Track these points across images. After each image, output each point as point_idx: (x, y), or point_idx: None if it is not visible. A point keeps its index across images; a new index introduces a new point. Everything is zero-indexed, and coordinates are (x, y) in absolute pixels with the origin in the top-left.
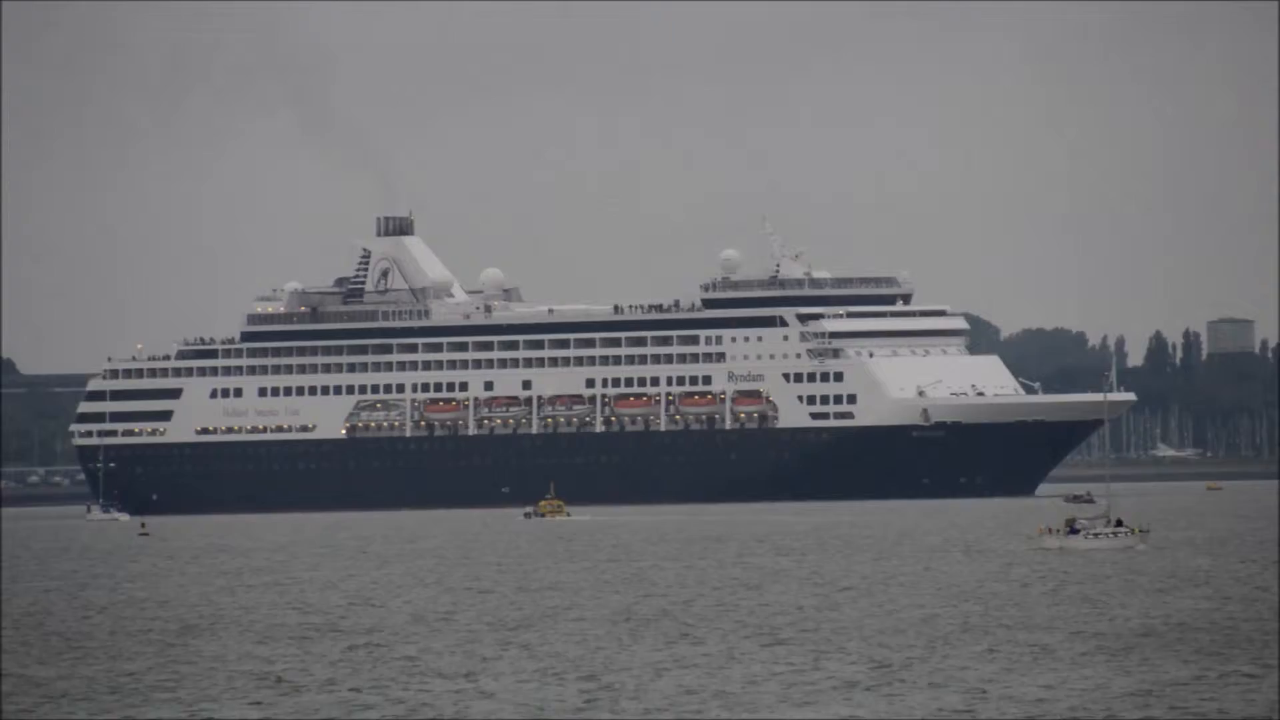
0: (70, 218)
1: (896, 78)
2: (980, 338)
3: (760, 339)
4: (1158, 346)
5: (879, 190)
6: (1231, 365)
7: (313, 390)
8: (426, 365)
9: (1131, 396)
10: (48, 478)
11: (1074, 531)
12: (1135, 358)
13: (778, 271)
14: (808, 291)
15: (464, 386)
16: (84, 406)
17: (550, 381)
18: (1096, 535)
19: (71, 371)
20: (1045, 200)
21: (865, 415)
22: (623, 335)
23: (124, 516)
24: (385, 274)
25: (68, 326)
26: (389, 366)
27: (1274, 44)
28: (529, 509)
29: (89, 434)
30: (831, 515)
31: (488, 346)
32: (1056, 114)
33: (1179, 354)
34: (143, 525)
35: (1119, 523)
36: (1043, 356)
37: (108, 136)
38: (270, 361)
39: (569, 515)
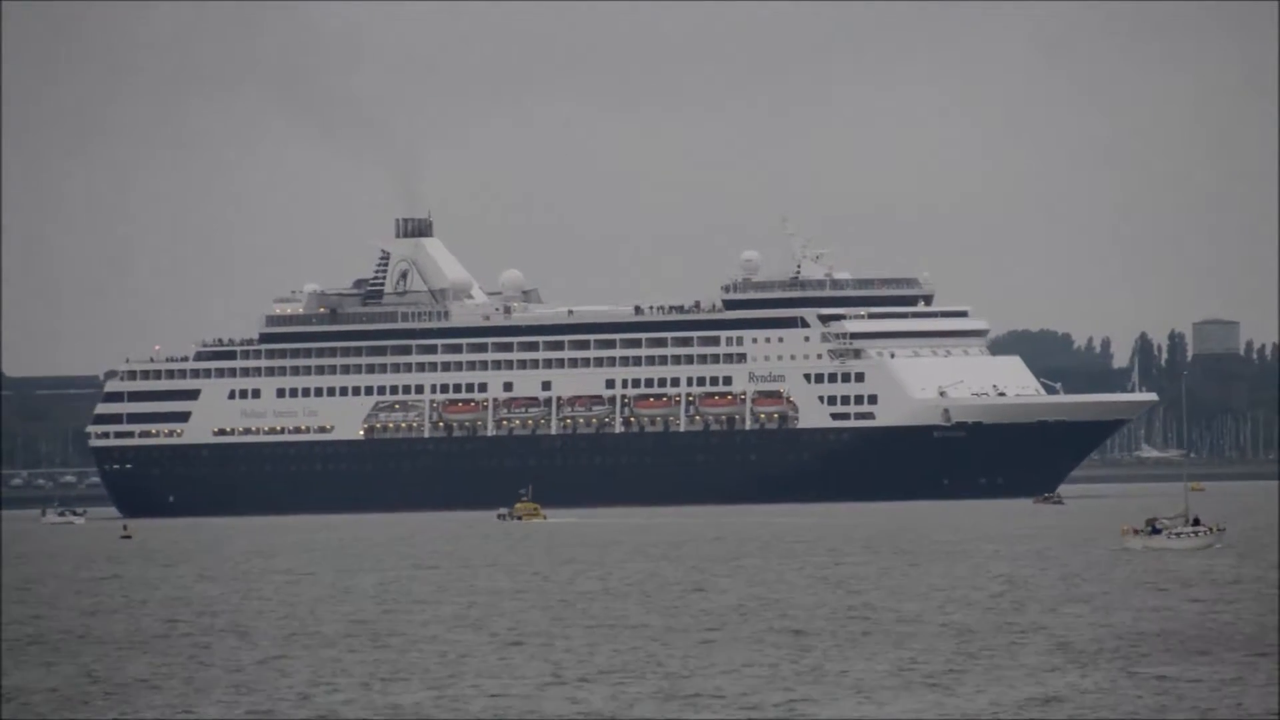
0: (89, 218)
1: (907, 78)
2: None
3: (781, 340)
4: (1143, 348)
5: (899, 192)
6: (1216, 366)
7: (331, 391)
8: (445, 366)
9: (1153, 397)
10: (31, 480)
11: (1155, 531)
12: (1121, 359)
13: (799, 272)
14: (829, 292)
15: (483, 387)
16: (101, 408)
17: (570, 382)
18: (1179, 534)
19: (61, 374)
20: (1028, 202)
21: (886, 415)
22: (643, 336)
23: (80, 520)
24: (404, 275)
25: (60, 330)
26: (408, 368)
27: (1274, 43)
28: (503, 510)
29: (106, 435)
30: (874, 517)
31: (507, 348)
32: (1041, 115)
33: (1164, 355)
34: (125, 528)
35: (1196, 521)
36: (1031, 359)
37: (122, 138)
38: (289, 363)
39: (545, 518)
